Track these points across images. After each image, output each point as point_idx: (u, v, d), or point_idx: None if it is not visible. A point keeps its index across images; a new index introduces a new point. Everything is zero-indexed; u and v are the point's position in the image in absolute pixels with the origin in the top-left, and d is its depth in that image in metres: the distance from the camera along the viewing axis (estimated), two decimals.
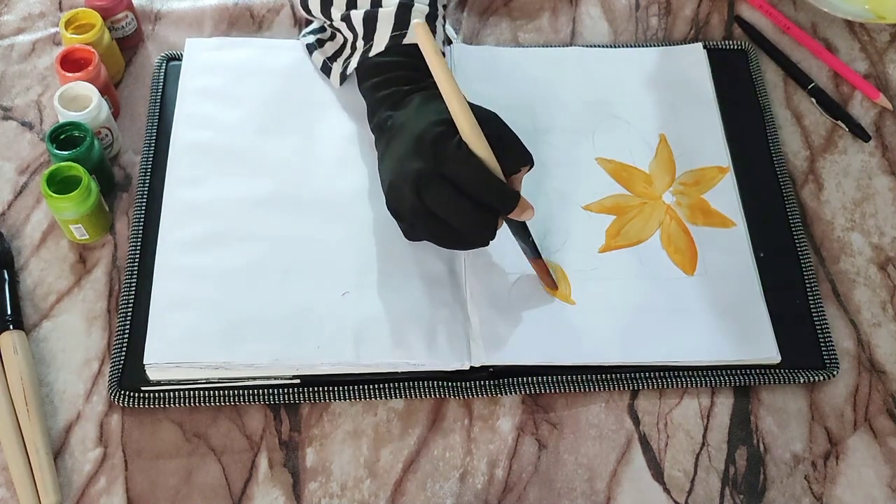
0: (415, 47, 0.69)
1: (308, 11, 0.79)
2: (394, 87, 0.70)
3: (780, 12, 0.90)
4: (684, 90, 0.83)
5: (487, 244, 0.66)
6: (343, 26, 0.75)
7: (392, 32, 0.71)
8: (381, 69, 0.71)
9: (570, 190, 0.76)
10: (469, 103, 0.64)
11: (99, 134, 0.75)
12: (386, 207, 0.67)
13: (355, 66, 0.74)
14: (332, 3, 0.76)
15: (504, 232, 0.72)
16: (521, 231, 0.68)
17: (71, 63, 0.76)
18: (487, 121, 0.65)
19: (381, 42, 0.71)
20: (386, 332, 0.68)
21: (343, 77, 0.77)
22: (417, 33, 0.62)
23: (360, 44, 0.74)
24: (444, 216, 0.63)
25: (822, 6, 0.88)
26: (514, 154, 0.66)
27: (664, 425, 0.68)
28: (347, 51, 0.77)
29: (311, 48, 0.81)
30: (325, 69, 0.79)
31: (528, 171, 0.67)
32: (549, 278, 0.70)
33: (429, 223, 0.64)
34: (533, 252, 0.69)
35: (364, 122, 0.78)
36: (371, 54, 0.72)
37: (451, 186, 0.62)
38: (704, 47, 0.86)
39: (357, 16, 0.73)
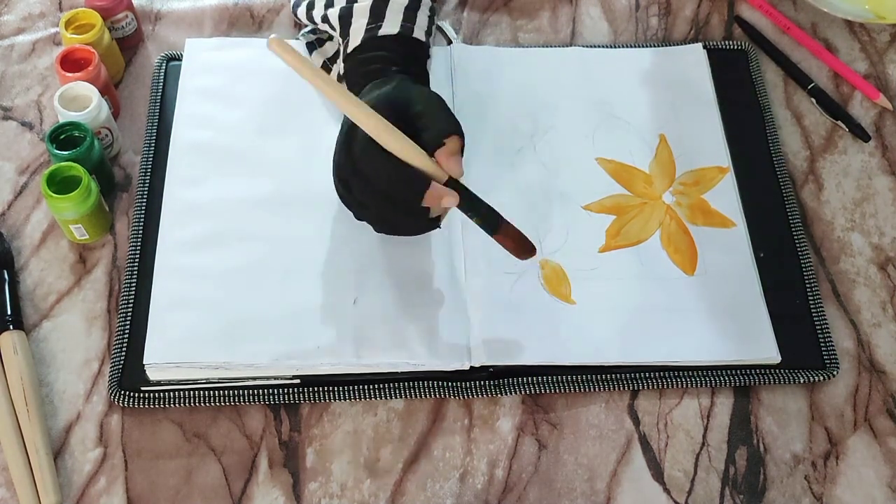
0: (391, 39, 0.69)
1: (296, 14, 0.79)
2: (367, 78, 0.69)
3: (780, 12, 0.90)
4: (684, 90, 0.83)
5: (429, 229, 0.67)
6: (326, 26, 0.75)
7: (367, 24, 0.70)
8: (364, 63, 0.70)
9: (570, 190, 0.76)
10: (406, 92, 0.64)
11: (99, 134, 0.75)
12: None
13: (342, 67, 0.73)
14: (313, 6, 0.76)
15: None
16: (468, 210, 0.63)
17: (71, 63, 0.76)
18: (407, 101, 0.63)
19: (356, 36, 0.71)
20: (386, 332, 0.68)
21: (341, 79, 0.77)
22: (275, 50, 0.60)
23: (338, 40, 0.74)
24: (373, 209, 0.64)
25: (822, 6, 0.88)
26: (435, 127, 0.63)
27: (664, 425, 0.68)
28: (340, 50, 0.76)
29: (311, 48, 0.81)
30: (326, 70, 0.79)
31: (461, 142, 0.64)
32: (519, 248, 0.64)
33: (366, 213, 0.66)
34: (487, 229, 0.64)
35: None
36: (349, 50, 0.71)
37: (367, 180, 0.63)
38: (704, 47, 0.86)
39: (333, 14, 0.73)
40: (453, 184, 0.63)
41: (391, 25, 0.70)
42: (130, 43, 0.85)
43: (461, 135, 0.64)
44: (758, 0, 0.91)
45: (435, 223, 0.66)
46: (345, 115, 0.64)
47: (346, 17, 0.72)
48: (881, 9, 0.88)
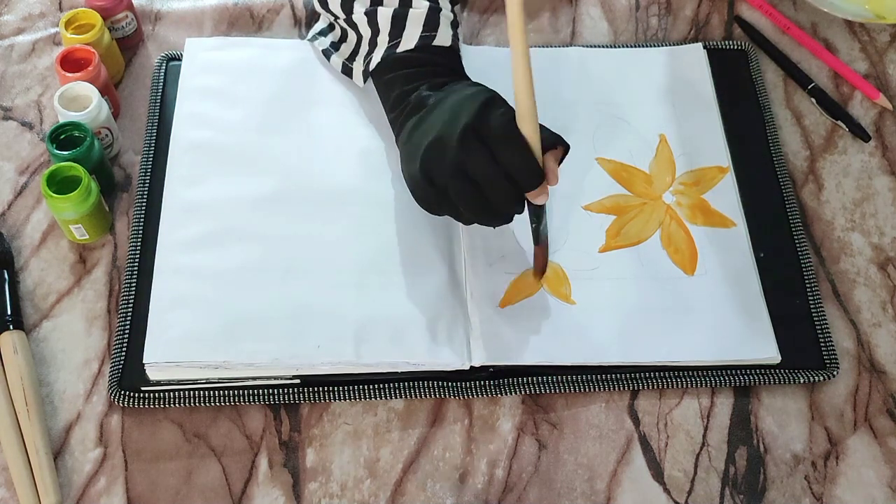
0: (443, 50, 0.71)
1: (325, 6, 0.79)
2: (429, 77, 0.70)
3: (780, 12, 0.90)
4: (684, 90, 0.83)
5: (510, 220, 0.66)
6: (363, 21, 0.75)
7: (422, 33, 0.72)
8: (412, 63, 0.72)
9: (570, 190, 0.76)
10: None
11: (99, 134, 0.75)
12: (407, 182, 0.67)
13: (378, 60, 0.74)
14: None
15: (502, 230, 0.72)
16: (536, 215, 0.67)
17: (71, 63, 0.76)
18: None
19: (409, 41, 0.72)
20: (386, 332, 0.68)
21: (367, 74, 0.77)
22: (510, 4, 0.62)
23: (382, 39, 0.74)
24: (477, 178, 0.63)
25: (822, 6, 0.88)
26: (551, 133, 0.66)
27: (664, 425, 0.68)
28: (365, 47, 0.76)
29: (327, 53, 0.81)
30: (346, 71, 0.79)
31: (564, 155, 0.67)
32: (539, 267, 0.70)
33: (463, 184, 0.63)
34: (536, 239, 0.68)
35: (364, 121, 0.78)
36: (399, 50, 0.72)
37: (489, 150, 0.62)
38: (704, 47, 0.86)
39: (385, 13, 0.73)
40: None
41: (444, 38, 0.72)
42: (130, 43, 0.85)
43: (568, 149, 0.67)
44: (758, 0, 0.91)
45: (514, 215, 0.66)
46: (467, 91, 0.66)
47: (399, 20, 0.73)
48: (881, 9, 0.88)
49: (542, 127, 0.64)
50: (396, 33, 0.73)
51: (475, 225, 0.72)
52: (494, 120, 0.63)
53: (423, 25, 0.72)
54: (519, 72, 0.62)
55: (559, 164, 0.66)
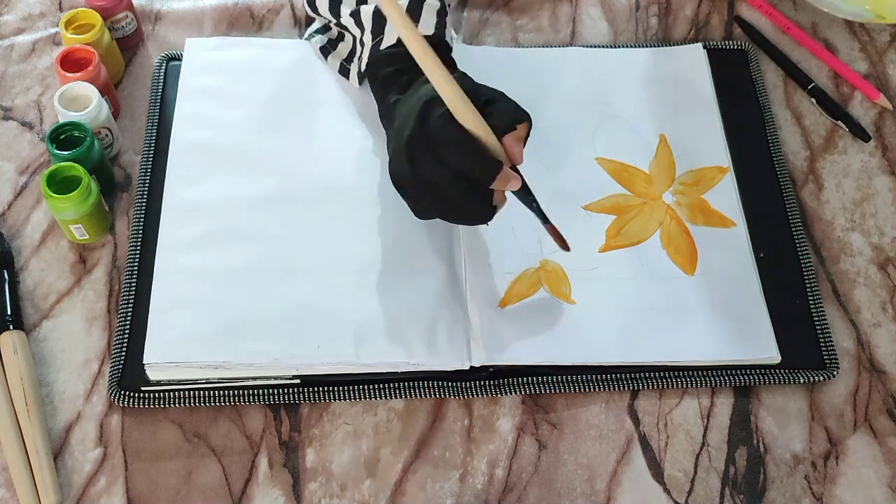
0: (426, 39, 0.69)
1: (315, 10, 0.79)
2: (405, 75, 0.70)
3: (780, 12, 0.90)
4: (684, 90, 0.83)
5: (489, 217, 0.65)
6: (351, 22, 0.75)
7: None
8: (392, 60, 0.71)
9: (570, 190, 0.76)
10: (473, 83, 0.64)
11: (99, 134, 0.75)
12: (394, 189, 0.66)
13: (366, 61, 0.74)
14: (341, 1, 0.76)
15: (502, 230, 0.72)
16: (524, 198, 0.66)
17: (71, 63, 0.76)
18: (479, 91, 0.64)
19: (391, 35, 0.71)
20: (386, 332, 0.68)
21: (361, 76, 0.77)
22: (384, 5, 0.61)
23: (367, 38, 0.74)
24: (436, 186, 0.62)
25: (822, 6, 0.88)
26: (506, 112, 0.64)
27: (664, 425, 0.68)
28: (358, 48, 0.77)
29: (325, 52, 0.81)
30: (343, 71, 0.79)
31: (528, 130, 0.65)
32: (561, 240, 0.68)
33: (426, 194, 0.63)
34: (541, 218, 0.67)
35: (364, 122, 0.78)
36: (382, 47, 0.72)
37: (437, 155, 0.62)
38: (704, 47, 0.86)
39: (367, 11, 0.73)
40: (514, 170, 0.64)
41: (426, 27, 0.71)
42: (130, 43, 0.85)
43: (530, 122, 0.65)
44: (758, 0, 0.91)
45: (491, 213, 0.64)
46: (412, 94, 0.65)
47: (380, 16, 0.72)
48: (881, 9, 0.88)
49: (497, 109, 0.63)
50: (378, 30, 0.72)
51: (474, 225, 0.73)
52: (433, 122, 0.62)
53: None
54: (430, 71, 0.61)
55: (524, 141, 0.64)
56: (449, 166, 0.62)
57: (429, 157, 0.62)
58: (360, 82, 0.78)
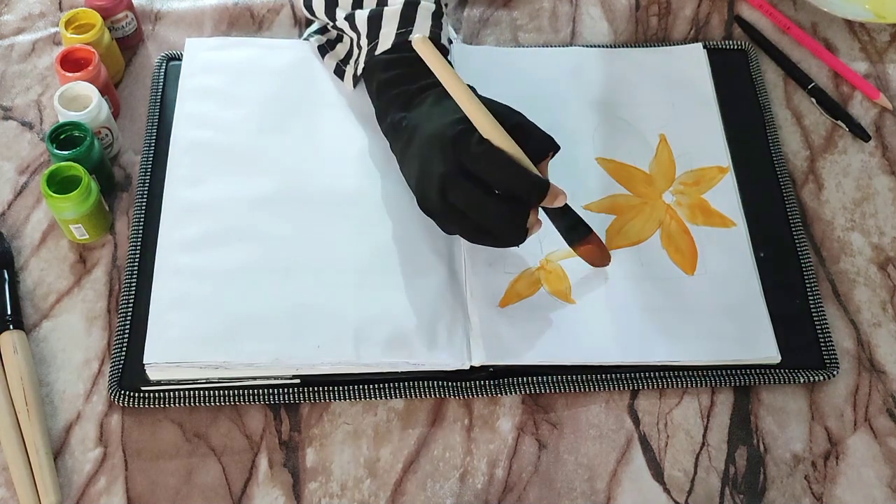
0: None
1: (311, 12, 0.79)
2: (403, 86, 0.70)
3: (780, 12, 0.90)
4: (684, 90, 0.83)
5: (522, 241, 0.66)
6: (346, 25, 0.75)
7: (398, 30, 0.71)
8: (389, 66, 0.71)
9: (570, 190, 0.75)
10: (480, 97, 0.64)
11: (99, 134, 0.75)
12: (418, 207, 0.67)
13: (363, 65, 0.74)
14: (336, 4, 0.76)
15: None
16: (560, 216, 0.67)
17: (71, 63, 0.76)
18: (503, 113, 0.65)
19: (386, 40, 0.71)
20: (386, 332, 0.67)
21: (356, 79, 0.77)
22: (419, 48, 0.63)
23: (363, 42, 0.74)
24: (471, 215, 0.63)
25: (822, 6, 0.88)
26: (537, 140, 0.66)
27: (664, 425, 0.68)
28: (355, 51, 0.77)
29: (322, 51, 0.81)
30: (339, 72, 0.79)
31: (553, 156, 0.67)
32: (600, 255, 0.69)
33: (459, 222, 0.65)
34: (578, 235, 0.68)
35: (364, 122, 0.78)
36: (377, 52, 0.72)
37: (476, 184, 0.63)
38: (704, 47, 0.86)
39: (361, 15, 0.73)
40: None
41: (421, 30, 0.71)
42: (130, 43, 0.85)
43: (558, 149, 0.67)
44: (758, 0, 0.91)
45: (525, 236, 0.65)
46: (439, 120, 0.65)
47: (375, 20, 0.72)
48: (881, 9, 0.88)
49: (527, 136, 0.65)
50: (374, 35, 0.72)
51: None
52: (473, 150, 0.62)
53: (399, 22, 0.71)
54: (465, 104, 0.62)
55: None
56: (490, 193, 0.63)
57: (467, 187, 0.62)
58: (355, 85, 0.78)
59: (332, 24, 0.78)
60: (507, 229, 0.64)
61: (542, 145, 0.66)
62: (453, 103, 0.64)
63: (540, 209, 0.67)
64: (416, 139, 0.67)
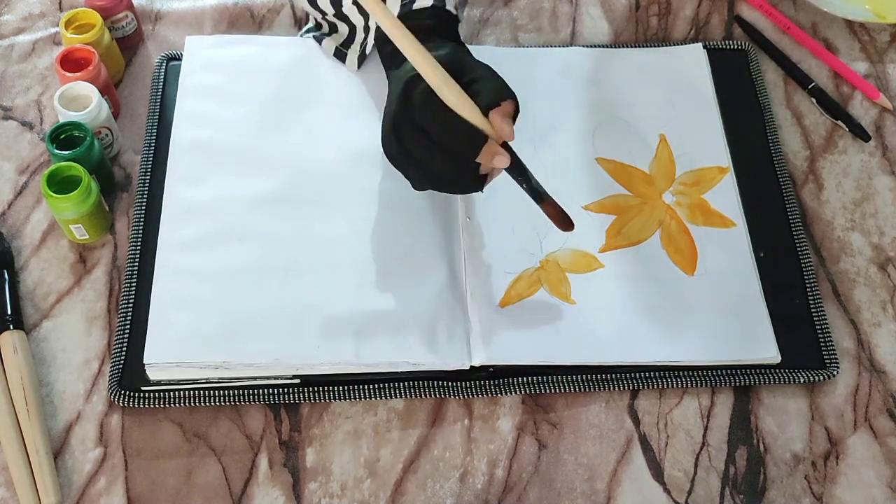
0: (428, 12, 0.70)
1: (315, 5, 0.79)
2: (400, 53, 0.70)
3: (780, 12, 0.90)
4: (684, 90, 0.83)
5: (479, 187, 0.66)
6: (353, 11, 0.76)
7: (402, 1, 0.71)
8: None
9: (570, 190, 0.76)
10: (461, 57, 0.65)
11: (99, 134, 0.75)
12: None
13: (373, 42, 0.75)
14: None
15: (502, 230, 0.72)
16: (518, 175, 0.65)
17: (71, 63, 0.76)
18: (464, 66, 0.65)
19: (392, 10, 0.71)
20: (386, 332, 0.68)
21: (362, 58, 0.78)
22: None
23: (372, 23, 0.74)
24: (423, 161, 0.64)
25: (822, 6, 0.88)
26: (490, 89, 0.64)
27: (664, 425, 0.68)
28: (361, 34, 0.77)
29: (318, 39, 0.81)
30: (339, 55, 0.80)
31: (515, 106, 0.64)
32: (560, 220, 0.66)
33: (417, 169, 0.65)
34: (534, 197, 0.66)
35: (365, 120, 0.78)
36: None
37: (422, 131, 0.63)
38: (704, 47, 0.86)
39: None
40: (505, 149, 0.63)
41: None
42: (130, 43, 0.85)
43: (516, 101, 0.64)
44: (758, 0, 0.91)
45: (481, 182, 0.65)
46: (400, 70, 0.66)
47: None
48: (881, 9, 0.88)
49: (482, 86, 0.63)
50: None
51: (474, 224, 0.73)
52: (415, 99, 0.63)
53: None
54: (407, 50, 0.62)
55: (514, 118, 0.64)
56: (435, 141, 0.63)
57: (413, 134, 0.63)
58: (359, 65, 0.79)
59: (332, 13, 0.78)
60: (458, 177, 0.65)
61: (493, 95, 0.64)
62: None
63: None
64: (389, 89, 0.67)
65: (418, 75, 0.63)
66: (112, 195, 0.76)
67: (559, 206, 0.66)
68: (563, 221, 0.66)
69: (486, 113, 0.63)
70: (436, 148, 0.63)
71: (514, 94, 0.65)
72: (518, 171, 0.65)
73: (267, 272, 0.70)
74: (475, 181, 0.65)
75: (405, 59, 0.68)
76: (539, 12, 0.90)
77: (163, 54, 0.83)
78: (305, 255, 0.71)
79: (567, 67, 0.84)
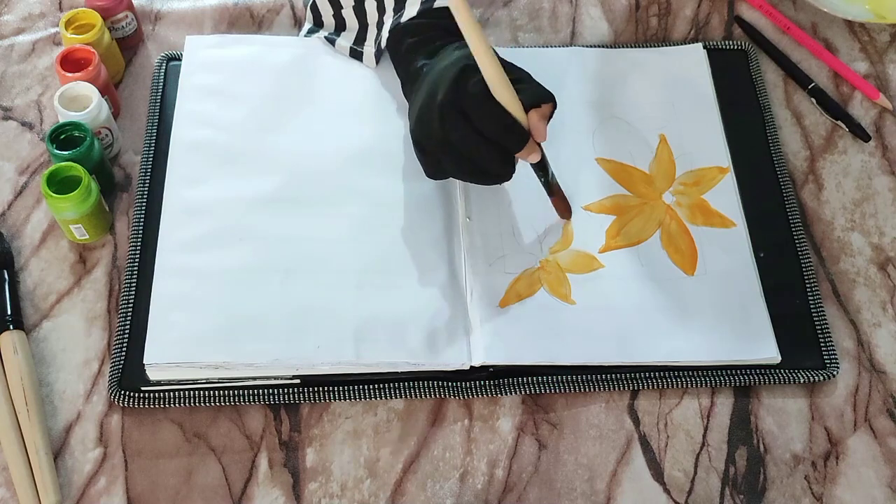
0: (445, 10, 0.70)
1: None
2: (429, 43, 0.72)
3: (780, 12, 0.90)
4: (684, 90, 0.83)
5: (509, 177, 0.68)
6: (373, 6, 0.77)
7: None
8: (417, 30, 0.73)
9: (570, 190, 0.76)
10: (503, 60, 0.66)
11: (99, 134, 0.75)
12: (413, 145, 0.69)
13: (387, 36, 0.75)
14: None
15: (502, 230, 0.72)
16: (540, 169, 0.70)
17: (71, 63, 0.76)
18: (510, 66, 0.67)
19: (412, 8, 0.73)
20: (386, 332, 0.68)
21: (379, 53, 0.79)
22: None
23: (388, 16, 0.75)
24: (462, 149, 0.65)
25: (822, 6, 0.88)
26: (534, 91, 0.67)
27: (664, 425, 0.68)
28: (374, 30, 0.78)
29: (330, 40, 0.81)
30: (355, 54, 0.80)
31: (552, 109, 0.68)
32: (564, 211, 0.74)
33: (451, 155, 0.66)
34: (548, 189, 0.72)
35: (365, 120, 0.78)
36: (403, 20, 0.73)
37: (468, 120, 0.64)
38: (704, 47, 0.86)
39: None
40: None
41: None
42: (130, 43, 0.85)
43: (555, 103, 0.68)
44: (758, 0, 0.91)
45: (512, 172, 0.68)
46: (451, 58, 0.67)
47: None
48: (881, 9, 0.88)
49: (525, 87, 0.66)
50: (399, 6, 0.74)
51: (474, 224, 0.73)
52: (471, 88, 0.64)
53: None
54: (475, 46, 0.63)
55: (548, 120, 0.67)
56: (480, 132, 0.65)
57: (461, 121, 0.65)
58: (378, 60, 0.80)
59: (353, 3, 0.79)
60: (495, 168, 0.67)
61: (536, 96, 0.67)
62: (468, 51, 0.65)
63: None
64: (428, 78, 0.68)
65: (473, 66, 0.64)
66: (112, 195, 0.76)
67: (566, 200, 0.73)
68: (567, 212, 0.74)
69: (526, 111, 0.65)
70: (480, 138, 0.65)
71: (553, 97, 0.68)
72: (542, 165, 0.70)
73: (267, 272, 0.70)
74: (508, 171, 0.68)
75: (437, 51, 0.69)
76: (539, 12, 0.90)
77: (163, 54, 0.83)
78: (305, 255, 0.71)
79: (567, 67, 0.84)
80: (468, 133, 0.65)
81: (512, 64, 0.69)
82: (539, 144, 0.67)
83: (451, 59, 0.67)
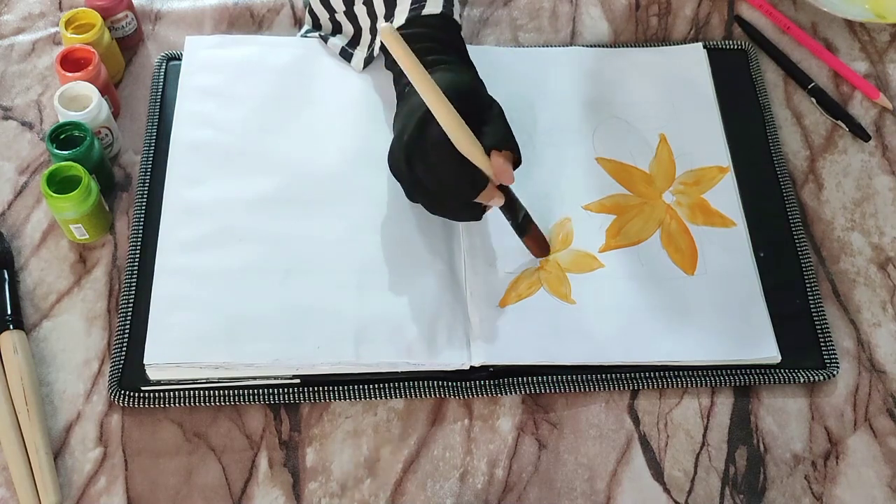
0: (435, 18, 0.71)
1: (325, 1, 0.79)
2: (418, 57, 0.70)
3: (780, 12, 0.90)
4: (684, 90, 0.83)
5: (476, 218, 0.69)
6: (363, 11, 0.76)
7: (411, 6, 0.71)
8: (406, 41, 0.71)
9: (570, 190, 0.76)
10: (473, 84, 0.67)
11: (99, 134, 0.75)
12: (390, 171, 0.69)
13: (379, 45, 0.75)
14: None
15: (502, 230, 0.72)
16: (508, 212, 0.69)
17: (71, 63, 0.76)
18: (476, 99, 0.67)
19: (401, 15, 0.72)
20: (386, 332, 0.68)
21: (369, 59, 0.79)
22: (385, 39, 0.63)
23: (379, 24, 0.75)
24: (427, 187, 0.66)
25: (822, 6, 0.88)
26: (496, 132, 0.66)
27: (664, 425, 0.68)
28: (367, 36, 0.78)
29: (324, 38, 0.81)
30: (345, 54, 0.80)
31: (515, 158, 0.67)
32: (538, 251, 0.72)
33: (419, 189, 0.67)
34: (518, 232, 0.70)
35: (365, 120, 0.78)
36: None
37: (431, 164, 0.65)
38: (704, 47, 0.86)
39: None
40: (501, 186, 0.67)
41: (433, 5, 0.71)
42: (130, 43, 0.85)
43: (518, 153, 0.67)
44: (758, 0, 0.91)
45: (480, 213, 0.68)
46: (409, 90, 0.68)
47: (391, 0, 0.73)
48: (881, 9, 0.88)
49: (490, 129, 0.66)
50: (389, 13, 0.73)
51: (475, 224, 0.73)
52: (430, 134, 0.65)
53: None
54: (425, 94, 0.63)
55: (514, 164, 0.67)
56: (441, 180, 0.65)
57: (422, 164, 0.65)
58: (365, 66, 0.79)
59: (344, 9, 0.78)
60: (457, 209, 0.68)
61: (498, 143, 0.66)
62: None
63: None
64: (406, 107, 0.69)
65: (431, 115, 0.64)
66: (112, 195, 0.76)
67: (541, 236, 0.72)
68: (541, 250, 0.72)
69: (488, 152, 0.65)
70: (441, 182, 0.65)
71: (517, 145, 0.67)
72: (510, 207, 0.69)
73: (267, 272, 0.70)
74: (472, 213, 0.68)
75: (426, 66, 0.68)
76: (539, 12, 0.90)
77: (163, 54, 0.83)
78: (305, 255, 0.71)
79: (567, 67, 0.84)
80: (429, 175, 0.65)
81: (486, 99, 0.68)
82: (506, 187, 0.67)
83: (418, 101, 0.66)
